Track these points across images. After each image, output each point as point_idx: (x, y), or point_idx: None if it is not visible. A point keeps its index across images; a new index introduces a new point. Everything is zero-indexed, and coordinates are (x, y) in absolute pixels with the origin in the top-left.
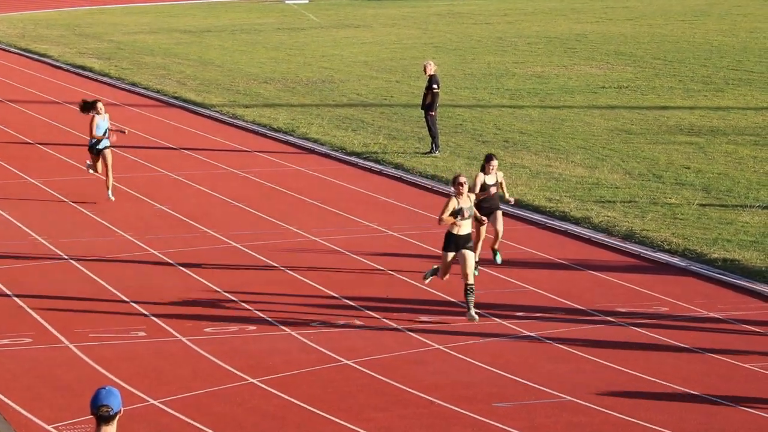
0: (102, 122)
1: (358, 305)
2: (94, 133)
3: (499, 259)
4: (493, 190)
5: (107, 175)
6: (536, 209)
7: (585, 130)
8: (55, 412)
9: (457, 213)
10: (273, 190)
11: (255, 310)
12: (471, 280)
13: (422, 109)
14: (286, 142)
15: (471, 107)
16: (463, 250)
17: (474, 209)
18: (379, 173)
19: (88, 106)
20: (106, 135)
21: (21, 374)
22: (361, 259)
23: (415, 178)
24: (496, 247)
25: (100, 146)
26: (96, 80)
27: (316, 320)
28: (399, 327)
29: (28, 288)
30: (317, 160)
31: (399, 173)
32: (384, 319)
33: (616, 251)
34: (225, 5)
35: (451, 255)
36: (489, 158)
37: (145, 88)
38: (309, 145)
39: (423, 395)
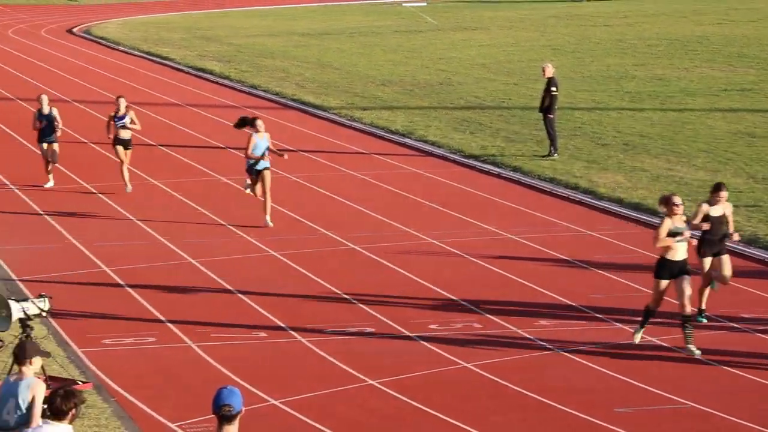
0: (260, 141)
1: (475, 308)
2: (249, 152)
3: (703, 319)
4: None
5: (265, 199)
6: (656, 213)
7: (707, 133)
8: (178, 410)
9: (675, 234)
10: (390, 193)
11: (373, 312)
12: (688, 311)
13: (540, 111)
14: (404, 145)
15: (590, 110)
16: (680, 278)
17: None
18: (497, 176)
19: (244, 123)
20: (265, 156)
21: (145, 373)
22: (478, 261)
23: (533, 181)
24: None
25: (260, 167)
26: (216, 83)
27: (434, 323)
28: (517, 330)
29: (152, 288)
30: (435, 162)
31: (517, 176)
32: (502, 323)
33: (739, 256)
34: (343, 8)
35: (664, 283)
36: (717, 188)
37: (264, 91)
38: (426, 147)
39: (542, 399)
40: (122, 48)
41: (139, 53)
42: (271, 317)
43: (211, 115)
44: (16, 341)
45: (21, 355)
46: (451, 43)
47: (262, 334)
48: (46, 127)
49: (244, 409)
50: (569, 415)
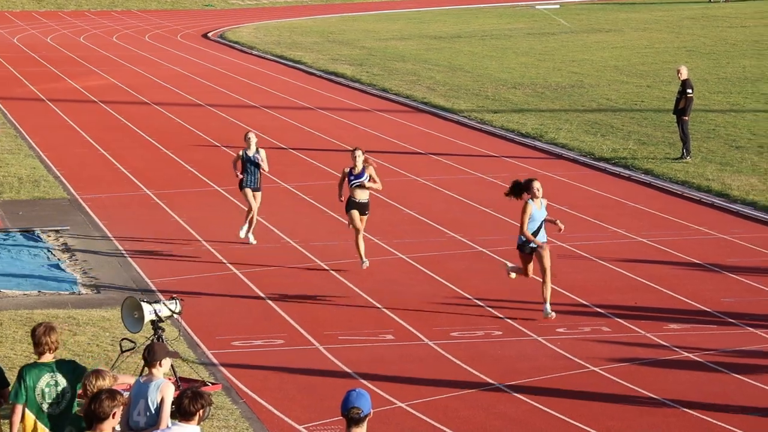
0: (537, 212)
1: (605, 312)
2: (525, 229)
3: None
4: None
5: (544, 282)
6: None
7: None
8: (306, 412)
9: None
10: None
11: (501, 316)
12: None
13: (674, 113)
14: (534, 148)
15: (724, 112)
16: None
17: None
18: (628, 179)
19: (519, 189)
20: (541, 227)
21: (273, 375)
22: (609, 265)
23: (666, 184)
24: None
25: (535, 243)
26: (348, 86)
27: (562, 326)
28: (646, 334)
29: (280, 290)
30: (565, 165)
31: (648, 179)
32: (631, 326)
33: None
34: (474, 11)
35: None
36: None
37: (395, 94)
38: (557, 150)
39: (673, 404)
40: (256, 52)
41: (272, 57)
42: (398, 320)
43: (343, 118)
44: (147, 343)
45: (151, 356)
46: (583, 45)
47: (389, 336)
48: (251, 171)
49: (372, 411)
50: (702, 420)
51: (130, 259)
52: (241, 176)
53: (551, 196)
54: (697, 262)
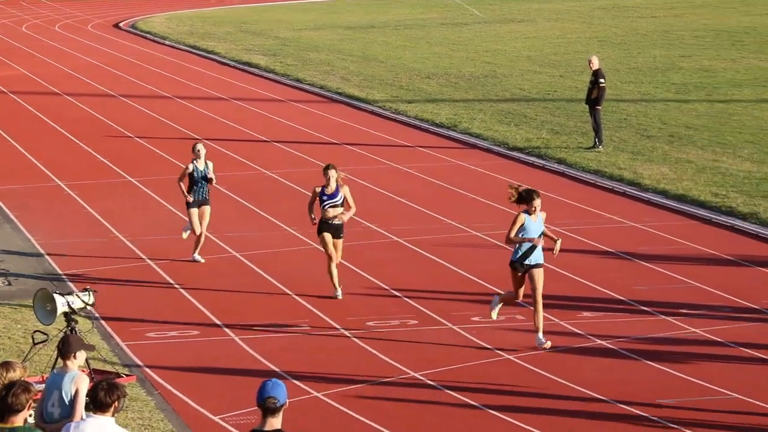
0: (533, 224)
1: (519, 301)
2: (511, 235)
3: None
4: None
5: (536, 310)
6: (701, 204)
7: (753, 124)
8: (221, 403)
9: None
10: (435, 185)
11: (416, 305)
12: None
13: (586, 103)
14: (448, 138)
15: (636, 101)
16: None
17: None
18: (542, 168)
19: (523, 198)
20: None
21: (188, 366)
22: None
23: (578, 173)
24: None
25: (532, 261)
26: (262, 76)
27: (477, 315)
28: (560, 322)
29: (194, 281)
30: (479, 155)
31: (562, 168)
32: (545, 315)
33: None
34: (387, 1)
35: None
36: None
37: (309, 84)
38: (471, 140)
39: (584, 390)
40: (168, 42)
41: (185, 47)
42: (314, 309)
43: (257, 108)
44: (61, 335)
45: (65, 349)
46: (496, 36)
47: (305, 326)
48: (200, 186)
49: (288, 401)
50: (611, 406)
51: (42, 250)
52: (190, 198)
53: (466, 186)
54: (610, 250)
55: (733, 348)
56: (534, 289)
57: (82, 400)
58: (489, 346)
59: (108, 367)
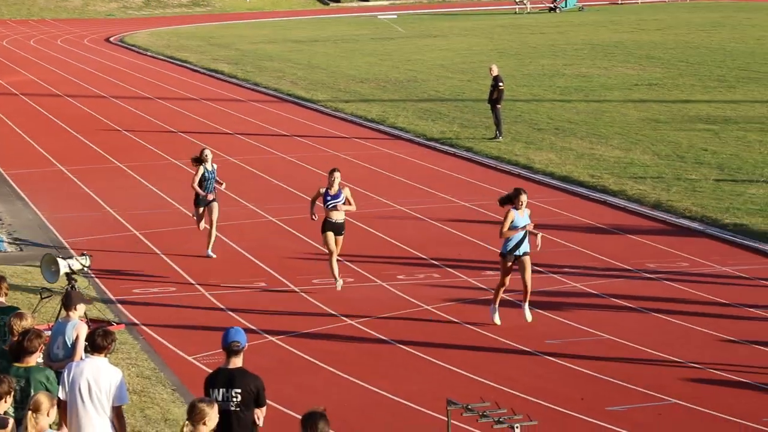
0: (520, 219)
1: (437, 263)
2: (504, 230)
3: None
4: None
5: (526, 295)
6: (581, 184)
7: (621, 119)
8: (194, 346)
9: None
10: (367, 169)
11: (353, 266)
12: None
13: (488, 102)
14: (378, 130)
15: (528, 101)
16: None
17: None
18: (453, 155)
19: (509, 199)
20: (525, 238)
21: (167, 316)
22: (438, 224)
23: (483, 159)
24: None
25: (520, 251)
26: (226, 81)
27: (401, 274)
28: (469, 279)
29: (173, 248)
30: (403, 144)
31: (469, 155)
32: (457, 273)
33: (646, 218)
34: (328, 20)
35: None
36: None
37: (265, 87)
38: (396, 132)
39: (490, 335)
40: (150, 53)
41: (163, 57)
42: (270, 270)
43: (222, 107)
44: (64, 291)
45: (68, 302)
46: (416, 48)
47: (263, 284)
48: (209, 184)
49: (247, 344)
50: (512, 347)
51: (47, 222)
52: (210, 196)
53: (393, 170)
54: None
55: (605, 299)
56: (524, 274)
57: (81, 343)
58: (412, 299)
59: (102, 317)
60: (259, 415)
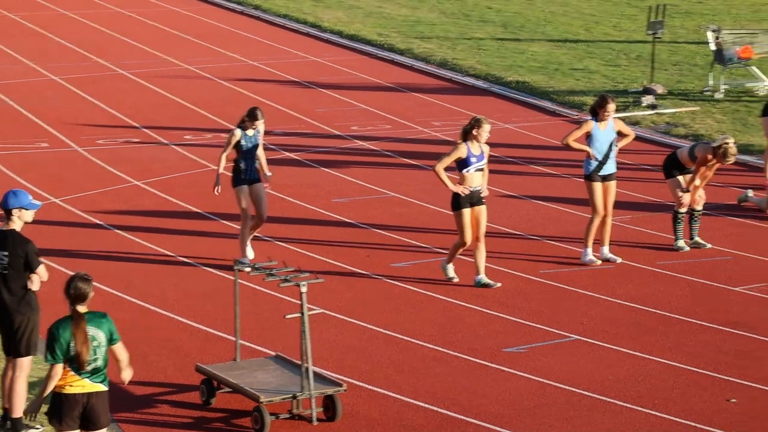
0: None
1: (219, 127)
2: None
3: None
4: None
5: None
6: (369, 42)
7: None
8: None
9: None
10: (154, 28)
11: (136, 124)
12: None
13: None
14: None
15: None
16: None
17: None
18: (241, 13)
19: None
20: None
21: None
22: (227, 84)
23: (271, 17)
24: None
25: (605, 170)
26: None
27: (189, 134)
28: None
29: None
30: (189, 2)
31: (258, 13)
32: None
33: (432, 76)
34: None
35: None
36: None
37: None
38: None
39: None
40: None
41: None
42: (52, 131)
43: None
44: None
45: None
46: None
47: (45, 144)
48: (249, 158)
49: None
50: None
51: None
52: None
53: (180, 28)
54: (296, 80)
55: (392, 157)
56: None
57: None
58: (200, 160)
59: None
60: (33, 279)
